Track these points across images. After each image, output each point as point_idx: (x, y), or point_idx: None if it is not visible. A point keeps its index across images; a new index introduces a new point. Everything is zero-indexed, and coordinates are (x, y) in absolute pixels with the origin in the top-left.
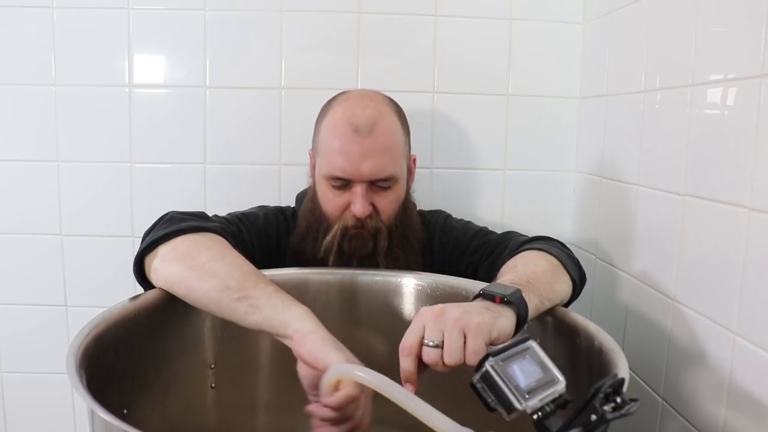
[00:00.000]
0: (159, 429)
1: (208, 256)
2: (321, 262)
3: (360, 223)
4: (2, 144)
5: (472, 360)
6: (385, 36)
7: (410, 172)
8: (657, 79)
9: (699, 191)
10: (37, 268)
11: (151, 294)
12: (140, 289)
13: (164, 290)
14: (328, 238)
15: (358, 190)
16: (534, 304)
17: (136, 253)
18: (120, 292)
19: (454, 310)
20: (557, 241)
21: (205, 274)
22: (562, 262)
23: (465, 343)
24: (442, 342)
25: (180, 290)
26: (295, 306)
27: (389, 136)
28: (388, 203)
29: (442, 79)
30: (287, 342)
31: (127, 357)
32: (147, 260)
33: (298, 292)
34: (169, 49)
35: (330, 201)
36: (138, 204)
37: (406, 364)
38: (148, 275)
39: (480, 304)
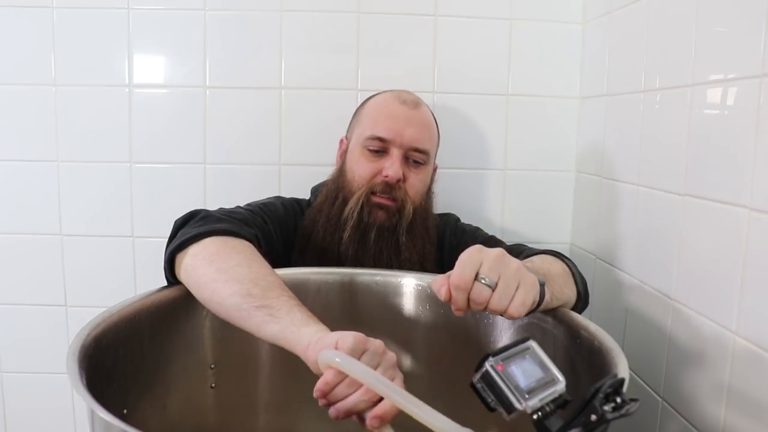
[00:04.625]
0: (159, 429)
1: (236, 261)
2: (336, 233)
3: (388, 189)
4: (2, 144)
5: (518, 311)
6: (385, 36)
7: (434, 172)
8: (657, 79)
9: (699, 191)
10: (37, 268)
11: (151, 294)
12: (141, 290)
13: (169, 289)
14: (352, 201)
15: (395, 153)
16: (546, 299)
17: (167, 249)
18: (120, 292)
19: (513, 259)
20: (570, 259)
21: (230, 279)
22: (573, 273)
23: (515, 293)
24: (496, 284)
25: (205, 293)
26: (313, 323)
27: (430, 118)
28: (417, 180)
29: (442, 79)
30: (302, 357)
31: (127, 357)
32: (178, 258)
33: (298, 291)
34: (169, 49)
35: (362, 165)
36: (138, 204)
37: (460, 299)
38: (177, 272)
39: None
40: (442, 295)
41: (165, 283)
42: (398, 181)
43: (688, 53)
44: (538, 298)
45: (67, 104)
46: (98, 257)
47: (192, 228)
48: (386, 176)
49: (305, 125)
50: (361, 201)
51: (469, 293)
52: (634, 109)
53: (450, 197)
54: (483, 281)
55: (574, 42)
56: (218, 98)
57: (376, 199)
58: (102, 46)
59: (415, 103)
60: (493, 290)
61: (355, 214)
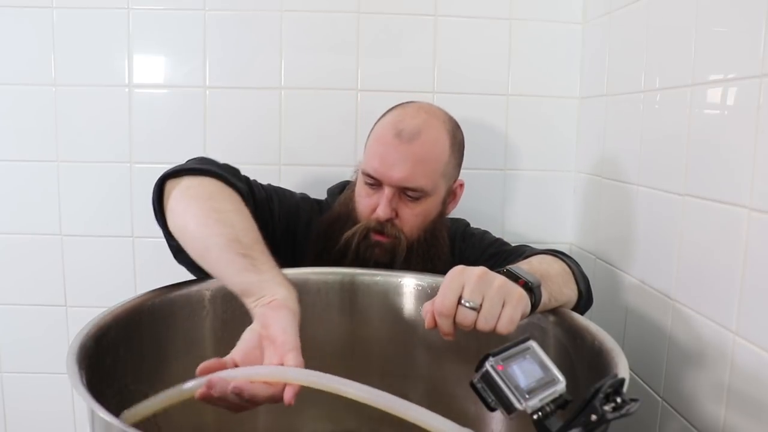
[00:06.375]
0: (159, 429)
1: (231, 207)
2: (340, 253)
3: (381, 227)
4: (2, 144)
5: (506, 328)
6: (385, 36)
7: (453, 196)
8: (657, 79)
9: (699, 191)
10: (37, 268)
11: (151, 294)
12: (141, 290)
13: (169, 289)
14: (348, 233)
15: (386, 192)
16: (544, 300)
17: (159, 177)
18: (120, 292)
19: (496, 276)
20: (572, 258)
21: (222, 219)
22: (573, 272)
23: (501, 310)
24: (480, 305)
25: (192, 225)
26: (291, 286)
27: (430, 148)
28: (412, 215)
29: (442, 79)
30: (259, 303)
31: (127, 357)
32: (168, 185)
33: (297, 291)
34: (169, 49)
35: (363, 198)
36: (138, 204)
37: (445, 326)
38: (165, 199)
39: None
40: (427, 322)
41: (164, 282)
42: (389, 220)
43: (688, 53)
44: (528, 310)
45: (67, 104)
46: (98, 257)
47: (191, 163)
48: (377, 216)
49: (305, 125)
50: (357, 238)
51: (454, 318)
52: (634, 109)
53: None
54: (467, 305)
55: (574, 42)
56: (218, 98)
57: (373, 238)
58: (102, 46)
59: (412, 135)
60: (478, 311)
61: (352, 250)
